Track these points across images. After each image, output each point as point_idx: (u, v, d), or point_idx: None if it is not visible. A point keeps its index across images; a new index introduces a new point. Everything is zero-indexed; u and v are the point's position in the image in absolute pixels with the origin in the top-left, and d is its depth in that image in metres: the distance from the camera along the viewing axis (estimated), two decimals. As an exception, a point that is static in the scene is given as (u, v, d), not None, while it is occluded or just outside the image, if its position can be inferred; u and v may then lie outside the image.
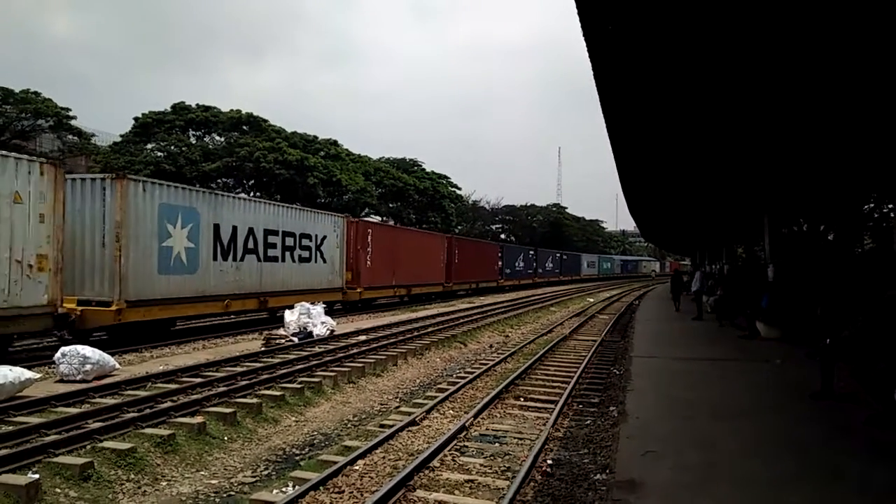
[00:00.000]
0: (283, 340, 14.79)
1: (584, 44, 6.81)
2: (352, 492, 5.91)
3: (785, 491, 5.08)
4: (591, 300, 37.24)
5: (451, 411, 9.24)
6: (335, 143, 46.17)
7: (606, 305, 32.57)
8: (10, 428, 7.29)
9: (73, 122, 35.61)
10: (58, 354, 10.35)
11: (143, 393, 9.35)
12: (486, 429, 8.30)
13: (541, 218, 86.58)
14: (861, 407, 7.38)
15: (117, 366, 10.98)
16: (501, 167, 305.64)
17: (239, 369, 11.32)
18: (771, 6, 5.92)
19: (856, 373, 7.61)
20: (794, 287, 15.42)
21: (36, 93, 33.86)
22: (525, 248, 55.36)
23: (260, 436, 8.29)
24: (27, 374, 8.91)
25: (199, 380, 10.35)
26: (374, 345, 14.61)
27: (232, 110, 41.34)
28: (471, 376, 11.55)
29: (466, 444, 7.58)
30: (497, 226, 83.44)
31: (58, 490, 5.84)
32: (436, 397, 9.88)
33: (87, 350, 10.46)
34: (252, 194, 38.12)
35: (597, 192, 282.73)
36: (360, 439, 7.86)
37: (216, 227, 16.70)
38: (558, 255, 64.48)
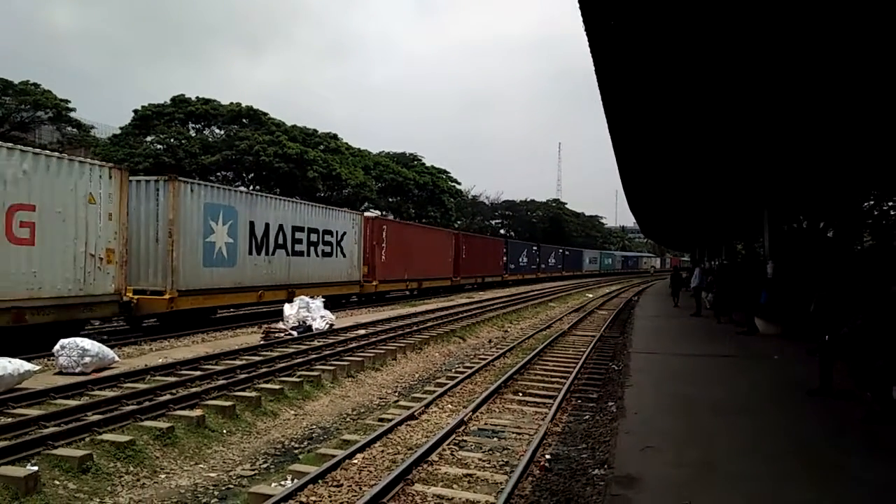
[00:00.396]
0: (282, 334, 14.79)
1: (586, 40, 6.80)
2: (350, 485, 5.92)
3: (783, 487, 5.09)
4: (590, 296, 37.25)
5: (449, 406, 9.25)
6: (335, 136, 46.05)
7: (605, 301, 32.58)
8: (9, 420, 7.28)
9: (72, 114, 35.53)
10: (57, 347, 10.34)
11: (142, 385, 9.35)
12: (485, 423, 8.31)
13: (540, 213, 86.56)
14: (859, 404, 7.39)
15: (116, 358, 10.97)
16: (501, 162, 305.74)
17: (238, 363, 11.32)
18: (773, 4, 5.90)
19: (854, 370, 7.62)
20: (793, 283, 15.44)
21: (35, 84, 33.76)
22: (528, 244, 56.00)
23: (259, 429, 8.30)
24: (26, 365, 8.91)
25: (198, 373, 10.35)
26: (373, 339, 14.62)
27: (232, 103, 41.24)
28: (469, 371, 11.55)
29: (465, 438, 7.59)
30: (496, 221, 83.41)
31: (57, 482, 5.84)
32: (434, 392, 9.88)
33: (86, 342, 10.45)
34: (251, 188, 38.08)
35: (597, 188, 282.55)
36: (358, 433, 7.87)
37: (251, 224, 18.15)
38: (561, 250, 65.38)
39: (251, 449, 7.59)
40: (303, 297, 16.46)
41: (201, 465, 6.92)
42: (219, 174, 39.46)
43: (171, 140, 38.14)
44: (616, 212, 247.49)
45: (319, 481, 5.94)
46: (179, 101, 39.93)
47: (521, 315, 24.11)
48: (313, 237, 21.44)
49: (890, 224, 19.76)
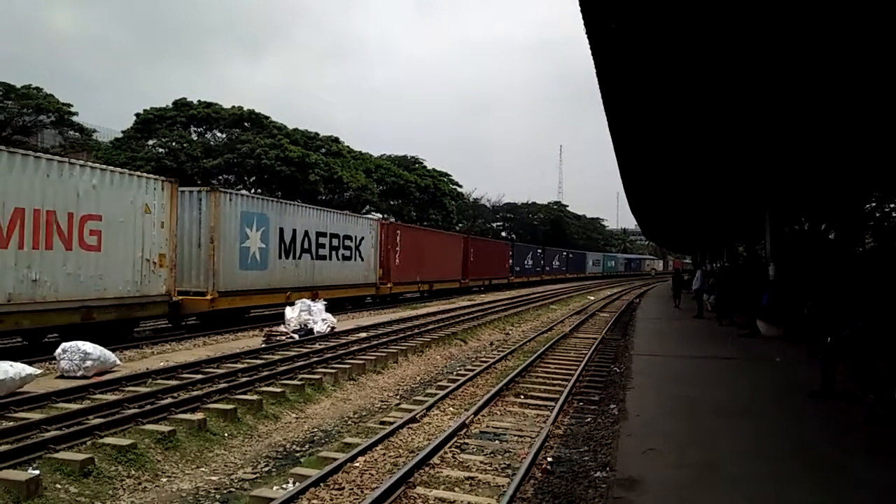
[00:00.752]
0: (283, 337, 14.79)
1: (587, 42, 6.80)
2: (352, 489, 5.91)
3: (785, 489, 5.08)
4: (592, 298, 37.21)
5: (451, 408, 9.23)
6: (336, 140, 46.08)
7: (607, 303, 32.56)
8: (11, 424, 7.28)
9: (74, 118, 35.57)
10: (58, 350, 10.35)
11: (143, 389, 9.35)
12: (487, 426, 8.30)
13: (542, 216, 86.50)
14: (861, 406, 7.38)
15: (118, 362, 10.98)
16: (503, 165, 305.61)
17: (239, 366, 11.32)
18: (775, 5, 5.90)
19: (857, 372, 7.61)
20: (794, 286, 15.43)
21: (37, 88, 33.80)
22: (533, 248, 57.00)
23: (260, 432, 8.30)
24: (28, 369, 8.92)
25: (199, 376, 10.35)
26: (375, 342, 14.61)
27: (233, 107, 41.30)
28: (471, 374, 11.54)
29: (467, 441, 7.58)
30: (498, 223, 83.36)
31: (58, 486, 5.84)
32: (436, 394, 9.87)
33: (87, 346, 10.46)
34: (253, 191, 38.07)
35: (598, 191, 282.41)
36: (360, 436, 7.85)
37: (281, 231, 19.53)
38: (565, 253, 66.67)
39: (253, 452, 7.58)
40: (304, 300, 16.50)
41: (203, 469, 6.91)
42: (220, 177, 39.48)
43: (173, 143, 38.16)
44: (617, 214, 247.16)
45: (321, 484, 5.93)
46: (181, 104, 39.98)
47: (523, 318, 24.09)
48: (335, 242, 22.89)
49: (892, 226, 19.73)
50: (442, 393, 9.90)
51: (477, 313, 23.26)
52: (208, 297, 16.24)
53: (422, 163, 57.96)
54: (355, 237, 24.51)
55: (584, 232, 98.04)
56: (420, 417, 8.51)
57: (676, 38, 6.83)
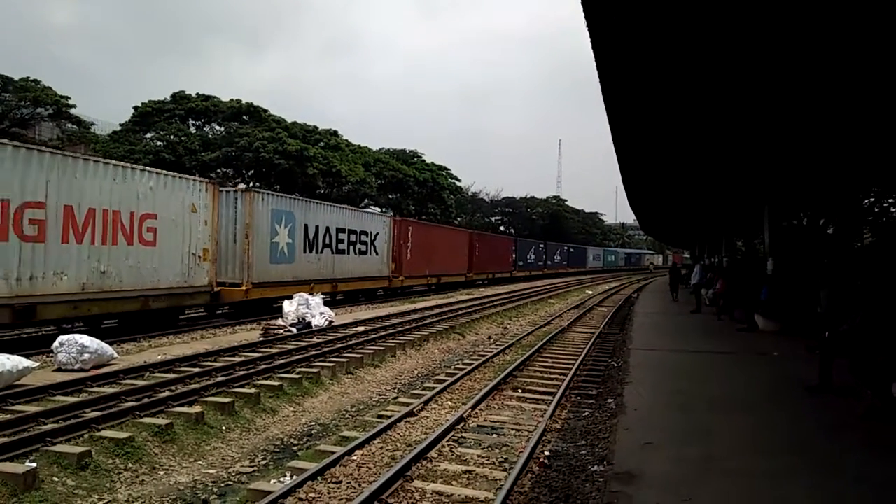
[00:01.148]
0: (281, 331, 14.78)
1: (587, 35, 6.77)
2: (349, 482, 5.91)
3: (783, 484, 5.08)
4: (590, 292, 37.24)
5: (449, 402, 9.24)
6: (335, 133, 45.96)
7: (605, 298, 32.58)
8: (8, 416, 7.28)
9: (72, 111, 35.45)
10: (56, 343, 10.34)
11: (141, 382, 9.34)
12: (484, 420, 8.30)
13: (540, 210, 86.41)
14: (859, 400, 7.38)
15: (115, 355, 10.97)
16: (501, 159, 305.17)
17: (237, 359, 11.31)
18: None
19: (855, 366, 7.60)
20: (793, 280, 15.43)
21: (35, 81, 33.69)
22: (535, 243, 57.97)
23: (258, 426, 8.29)
24: (25, 362, 8.91)
25: (197, 369, 10.34)
26: (373, 336, 14.60)
27: (232, 100, 41.19)
28: (469, 368, 11.55)
29: (464, 435, 7.59)
30: (496, 217, 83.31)
31: (55, 478, 5.83)
32: (434, 388, 9.88)
33: (84, 339, 10.45)
34: (251, 184, 37.99)
35: (597, 185, 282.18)
36: (357, 430, 7.86)
37: (305, 227, 21.09)
38: (566, 248, 67.61)
39: (250, 445, 7.58)
40: (302, 293, 16.47)
41: (200, 462, 6.91)
42: (219, 171, 39.40)
43: (171, 137, 38.08)
44: (616, 208, 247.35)
45: (318, 478, 5.94)
46: (179, 97, 39.89)
47: (521, 312, 24.10)
48: (353, 237, 24.46)
49: (890, 221, 19.74)
50: (440, 387, 9.91)
51: (475, 307, 23.27)
52: (243, 287, 17.76)
53: (420, 156, 57.84)
54: (371, 233, 26.02)
55: (583, 226, 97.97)
56: (418, 411, 8.52)
57: (677, 31, 6.80)
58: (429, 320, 18.33)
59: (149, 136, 38.83)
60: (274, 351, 12.31)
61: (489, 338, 16.89)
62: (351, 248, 24.29)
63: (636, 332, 15.29)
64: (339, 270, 23.29)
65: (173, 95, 39.87)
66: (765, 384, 9.19)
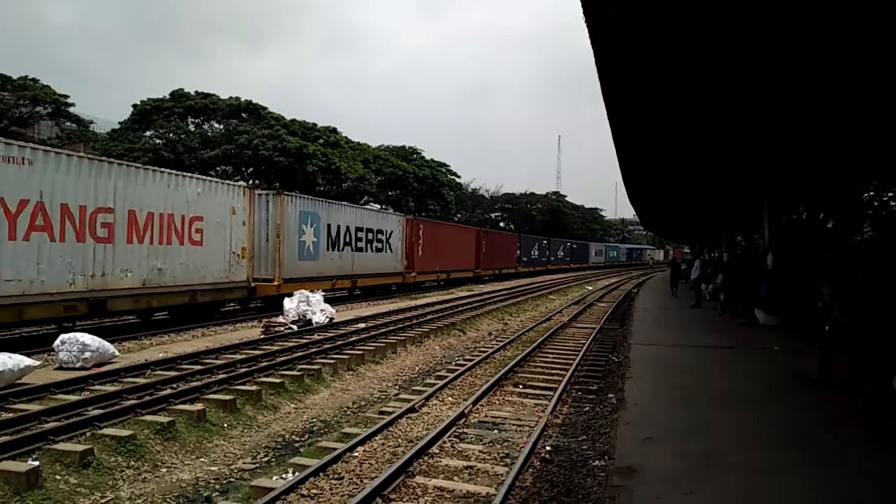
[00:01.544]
0: (282, 328, 14.78)
1: (586, 30, 6.76)
2: (351, 478, 5.93)
3: (784, 477, 5.10)
4: (590, 288, 37.25)
5: (450, 398, 9.26)
6: (334, 130, 45.86)
7: (605, 293, 32.60)
8: (10, 415, 7.29)
9: (71, 110, 35.38)
10: (57, 342, 10.34)
11: (142, 380, 9.35)
12: (485, 416, 8.32)
13: (540, 206, 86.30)
14: (860, 394, 7.39)
15: (116, 353, 10.98)
16: (501, 155, 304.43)
17: (238, 357, 11.32)
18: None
19: (855, 360, 7.62)
20: (793, 275, 15.43)
21: (34, 79, 33.63)
22: (539, 239, 59.01)
23: (259, 423, 8.30)
24: (26, 361, 8.92)
25: (198, 367, 10.34)
26: (374, 332, 14.61)
27: (231, 98, 41.14)
28: (470, 364, 11.56)
29: (465, 430, 7.60)
30: (496, 214, 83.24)
31: (58, 477, 5.84)
32: (435, 384, 9.89)
33: (86, 337, 10.45)
34: (251, 182, 37.97)
35: (597, 181, 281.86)
36: (359, 426, 7.87)
37: (328, 227, 22.51)
38: (569, 244, 69.00)
39: (252, 442, 7.59)
40: (302, 291, 16.48)
41: (202, 459, 6.92)
42: (218, 168, 39.36)
43: (171, 135, 38.03)
44: (616, 204, 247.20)
45: (320, 474, 5.95)
46: (178, 95, 39.82)
47: (521, 308, 24.10)
48: (370, 236, 25.89)
49: (890, 215, 19.72)
50: (441, 383, 9.92)
51: (476, 304, 23.28)
52: (275, 283, 19.09)
53: (420, 153, 57.72)
54: (386, 231, 27.48)
55: (583, 222, 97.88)
56: (419, 407, 8.53)
57: (676, 25, 6.80)
58: (429, 317, 18.34)
59: (148, 134, 38.77)
60: (275, 348, 12.32)
61: (490, 334, 16.91)
62: (368, 245, 25.66)
63: (637, 328, 15.31)
64: (358, 267, 24.62)
65: (172, 93, 39.80)
66: (765, 378, 9.21)
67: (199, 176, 16.74)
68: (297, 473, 5.97)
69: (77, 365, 10.11)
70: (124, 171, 13.76)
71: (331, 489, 5.67)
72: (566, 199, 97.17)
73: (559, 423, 7.96)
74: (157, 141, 38.11)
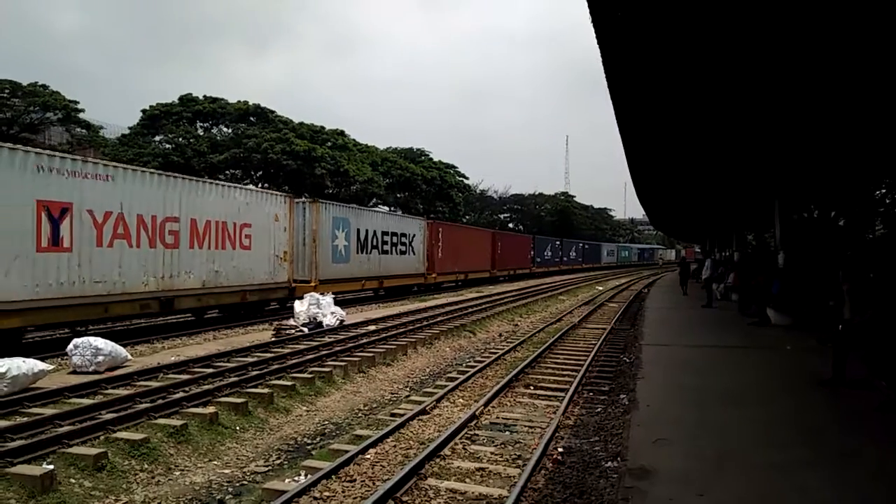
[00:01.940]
0: (293, 331, 14.83)
1: (593, 31, 6.75)
2: (363, 480, 5.94)
3: (799, 477, 5.07)
4: (600, 288, 37.14)
5: (461, 400, 9.25)
6: (342, 133, 45.95)
7: (615, 294, 32.49)
8: (25, 419, 7.35)
9: (81, 115, 35.60)
10: (70, 346, 10.42)
11: (155, 384, 9.40)
12: (497, 417, 8.31)
13: (549, 207, 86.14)
14: (873, 393, 7.34)
15: (129, 357, 11.05)
16: (509, 156, 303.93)
17: (250, 360, 11.36)
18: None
19: (868, 359, 7.56)
20: (805, 274, 15.32)
21: (44, 86, 33.83)
22: (552, 240, 59.99)
23: (271, 426, 8.34)
24: (40, 365, 8.98)
25: (210, 370, 10.40)
26: (384, 335, 14.62)
27: (239, 102, 41.30)
28: (480, 365, 11.56)
29: (477, 432, 7.60)
30: (505, 215, 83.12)
31: (72, 480, 5.89)
32: (446, 386, 9.88)
33: (99, 342, 10.52)
34: (260, 185, 38.09)
35: (606, 180, 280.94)
36: (371, 428, 7.88)
37: (358, 231, 24.11)
38: (581, 244, 70.04)
39: (264, 445, 7.62)
40: (313, 293, 16.55)
41: (215, 462, 6.96)
42: (227, 172, 39.54)
43: (180, 139, 38.26)
44: (625, 203, 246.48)
45: (332, 477, 5.96)
46: (187, 100, 40.04)
47: (531, 309, 24.06)
48: (394, 239, 27.42)
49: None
50: (451, 384, 9.92)
51: (485, 305, 23.27)
52: (312, 283, 20.30)
53: (428, 155, 57.74)
54: (409, 235, 29.02)
55: (592, 223, 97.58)
56: (430, 409, 8.53)
57: (684, 24, 6.77)
58: (439, 318, 18.35)
59: (157, 138, 39.00)
60: (286, 351, 12.36)
61: (500, 335, 16.89)
62: (393, 248, 27.20)
63: (648, 328, 15.25)
64: (384, 269, 26.24)
65: (180, 98, 40.02)
66: (778, 378, 9.15)
67: (248, 187, 18.70)
68: (309, 476, 5.99)
69: (90, 369, 10.18)
70: (187, 184, 15.48)
71: (343, 492, 5.69)
72: (575, 199, 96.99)
73: (571, 425, 7.94)
74: (167, 145, 38.32)
